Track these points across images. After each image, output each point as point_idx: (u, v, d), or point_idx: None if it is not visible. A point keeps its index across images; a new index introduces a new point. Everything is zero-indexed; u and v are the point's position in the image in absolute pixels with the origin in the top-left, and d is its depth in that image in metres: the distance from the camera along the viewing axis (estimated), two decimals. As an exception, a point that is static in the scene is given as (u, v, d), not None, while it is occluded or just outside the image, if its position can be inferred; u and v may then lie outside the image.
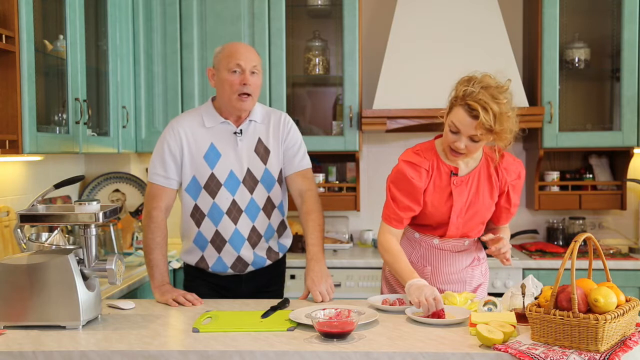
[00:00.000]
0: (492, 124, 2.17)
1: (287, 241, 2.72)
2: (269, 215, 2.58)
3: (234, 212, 2.52)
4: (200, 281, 2.62)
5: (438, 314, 2.09)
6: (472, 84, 2.20)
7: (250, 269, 2.60)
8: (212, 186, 2.50)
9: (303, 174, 2.62)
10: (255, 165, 2.53)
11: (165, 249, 2.53)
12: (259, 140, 2.55)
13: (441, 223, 2.41)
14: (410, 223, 2.47)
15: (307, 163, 2.64)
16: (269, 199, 2.56)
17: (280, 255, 2.69)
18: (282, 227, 2.66)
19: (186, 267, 2.69)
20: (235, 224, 2.52)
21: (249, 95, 2.45)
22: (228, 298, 2.57)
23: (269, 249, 2.62)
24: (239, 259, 2.56)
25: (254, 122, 2.55)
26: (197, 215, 2.54)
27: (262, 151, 2.54)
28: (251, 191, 2.53)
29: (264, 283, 2.66)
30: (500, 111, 2.16)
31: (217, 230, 2.53)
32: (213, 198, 2.51)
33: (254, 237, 2.56)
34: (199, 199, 2.52)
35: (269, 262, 2.63)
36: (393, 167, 2.42)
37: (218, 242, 2.54)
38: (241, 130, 2.52)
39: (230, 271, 2.58)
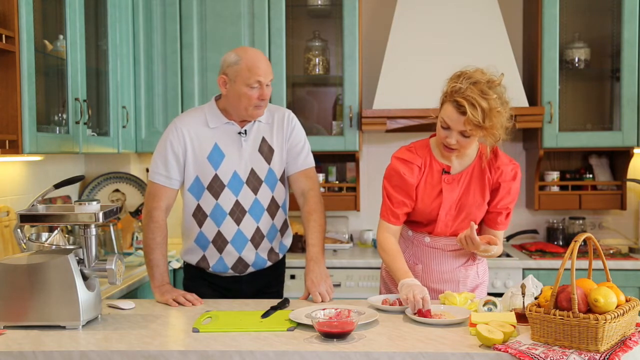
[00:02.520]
0: (481, 120, 2.17)
1: (288, 241, 2.71)
2: (273, 216, 2.57)
3: (237, 212, 2.51)
4: (200, 281, 2.62)
5: (424, 315, 2.09)
6: (461, 80, 2.20)
7: (250, 270, 2.59)
8: (216, 187, 2.49)
9: (306, 173, 2.61)
10: (259, 166, 2.52)
11: (166, 248, 2.53)
12: (263, 139, 2.54)
13: (430, 220, 2.42)
14: (405, 220, 2.47)
15: (311, 162, 2.63)
16: (273, 199, 2.56)
17: (281, 256, 2.68)
18: (284, 226, 2.66)
19: (186, 267, 2.69)
20: (238, 224, 2.52)
21: (264, 105, 2.48)
22: (228, 298, 2.57)
23: (271, 250, 2.61)
24: (240, 260, 2.56)
25: (259, 121, 2.54)
26: (199, 216, 2.54)
27: (266, 150, 2.53)
28: (255, 192, 2.52)
29: (264, 285, 2.66)
30: (489, 107, 2.16)
31: (219, 231, 2.52)
32: (216, 199, 2.50)
33: (257, 238, 2.55)
34: (201, 199, 2.52)
35: (269, 263, 2.62)
36: (387, 165, 2.44)
37: (220, 242, 2.53)
38: (246, 130, 2.52)
39: (230, 272, 2.58)
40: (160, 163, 2.51)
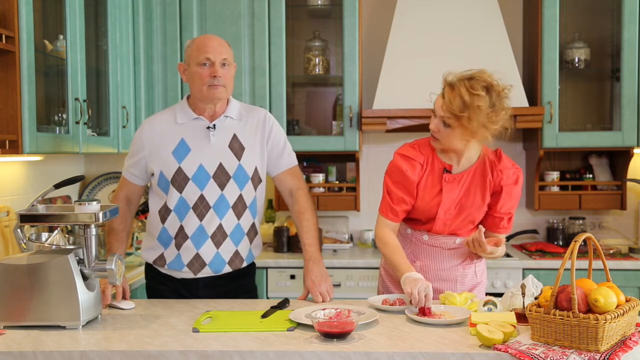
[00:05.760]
0: (456, 109, 2.20)
1: (257, 251, 2.63)
2: (238, 215, 2.51)
3: (201, 207, 2.47)
4: (157, 279, 2.60)
5: (424, 311, 2.11)
6: (461, 73, 2.26)
7: (207, 271, 2.51)
8: (179, 180, 2.46)
9: (292, 172, 2.60)
10: (228, 161, 2.48)
11: (121, 235, 2.56)
12: (234, 136, 2.51)
13: (429, 218, 2.43)
14: (405, 218, 2.48)
15: (294, 160, 2.62)
16: (240, 198, 2.50)
17: (245, 264, 2.58)
18: (252, 231, 2.57)
19: (146, 265, 2.66)
20: (201, 220, 2.47)
21: (220, 85, 2.44)
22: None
23: (236, 253, 2.53)
24: (197, 257, 2.49)
25: (230, 118, 2.52)
26: (163, 211, 2.51)
27: (237, 147, 2.50)
28: (222, 187, 2.47)
29: (223, 293, 2.55)
30: (470, 101, 2.19)
31: (181, 225, 2.48)
32: (180, 192, 2.47)
33: (219, 236, 2.49)
34: (168, 194, 2.49)
35: (228, 268, 2.53)
36: (390, 161, 2.45)
37: (180, 237, 2.49)
38: (214, 125, 2.49)
39: (185, 269, 2.51)
40: (127, 157, 2.60)
